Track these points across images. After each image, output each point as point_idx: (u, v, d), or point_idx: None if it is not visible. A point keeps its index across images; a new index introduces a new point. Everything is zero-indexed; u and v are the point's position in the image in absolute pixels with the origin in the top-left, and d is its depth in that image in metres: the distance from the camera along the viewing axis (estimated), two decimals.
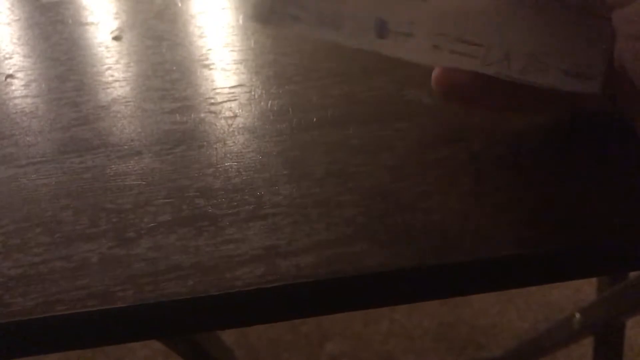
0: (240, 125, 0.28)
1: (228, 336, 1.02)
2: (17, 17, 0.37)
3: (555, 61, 0.24)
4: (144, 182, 0.25)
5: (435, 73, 0.25)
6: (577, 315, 0.68)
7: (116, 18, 0.37)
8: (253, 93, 0.30)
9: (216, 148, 0.27)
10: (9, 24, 0.37)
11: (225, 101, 0.30)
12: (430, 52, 0.24)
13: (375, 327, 1.05)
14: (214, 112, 0.29)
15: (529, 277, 0.23)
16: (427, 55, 0.24)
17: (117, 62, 0.33)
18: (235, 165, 0.26)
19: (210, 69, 0.32)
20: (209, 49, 0.34)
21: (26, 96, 0.31)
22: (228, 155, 0.27)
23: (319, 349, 1.01)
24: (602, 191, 0.24)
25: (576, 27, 0.24)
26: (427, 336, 1.03)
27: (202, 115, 0.29)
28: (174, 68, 0.32)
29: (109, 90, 0.31)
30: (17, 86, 0.32)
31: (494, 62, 0.24)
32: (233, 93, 0.30)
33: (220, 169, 0.26)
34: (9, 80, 0.32)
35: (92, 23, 0.36)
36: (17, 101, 0.31)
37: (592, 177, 0.24)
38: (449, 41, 0.24)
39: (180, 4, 0.38)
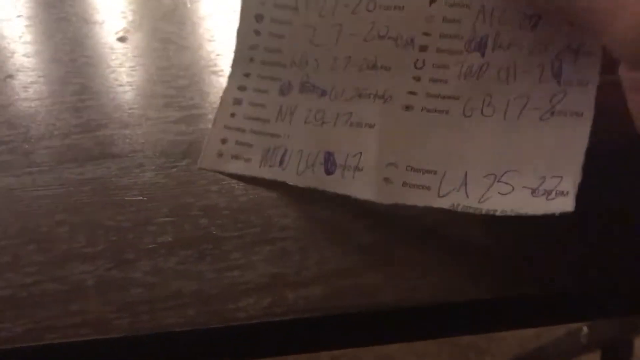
0: None
1: None
2: (19, 14, 0.36)
3: (520, 180, 0.20)
4: (145, 198, 0.24)
5: None
6: (585, 329, 0.66)
7: (122, 17, 0.36)
8: None
9: None
10: (10, 20, 0.35)
11: None
12: (381, 187, 0.22)
13: None
14: None
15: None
16: (377, 191, 0.22)
17: (121, 65, 0.32)
18: (242, 182, 0.25)
19: (219, 75, 0.31)
20: (218, 54, 0.33)
21: (25, 99, 0.29)
22: None
23: None
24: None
25: (542, 124, 0.20)
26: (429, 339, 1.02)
27: (210, 125, 0.28)
28: (181, 74, 0.31)
29: (111, 96, 0.29)
30: (16, 88, 0.30)
31: (450, 191, 0.21)
32: None
33: (226, 186, 0.24)
34: (8, 80, 0.31)
35: (97, 22, 0.35)
36: (15, 104, 0.29)
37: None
38: (400, 172, 0.22)
39: (189, 5, 0.37)
